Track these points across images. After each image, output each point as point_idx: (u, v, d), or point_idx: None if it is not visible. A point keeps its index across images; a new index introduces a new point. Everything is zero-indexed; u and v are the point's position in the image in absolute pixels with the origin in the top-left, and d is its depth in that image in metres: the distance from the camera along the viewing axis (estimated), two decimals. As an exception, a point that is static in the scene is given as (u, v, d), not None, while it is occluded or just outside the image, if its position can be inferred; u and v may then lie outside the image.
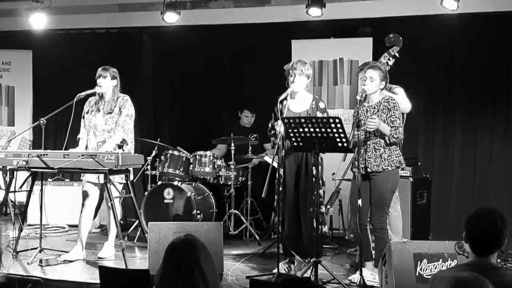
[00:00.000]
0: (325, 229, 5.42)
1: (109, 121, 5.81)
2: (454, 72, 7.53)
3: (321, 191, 5.22)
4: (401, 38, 5.87)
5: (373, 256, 5.08)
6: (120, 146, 5.69)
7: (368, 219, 5.08)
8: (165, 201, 6.96)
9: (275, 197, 5.40)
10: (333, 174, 6.63)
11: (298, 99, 5.39)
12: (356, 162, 5.00)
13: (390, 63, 5.86)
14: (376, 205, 5.01)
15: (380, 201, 5.00)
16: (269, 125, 5.43)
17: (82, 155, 5.25)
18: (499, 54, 7.27)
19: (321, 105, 5.36)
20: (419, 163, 6.95)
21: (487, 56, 7.33)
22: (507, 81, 7.27)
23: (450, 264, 4.27)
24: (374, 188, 5.01)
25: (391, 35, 5.91)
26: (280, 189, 5.27)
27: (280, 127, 5.16)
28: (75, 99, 5.65)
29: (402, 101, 5.63)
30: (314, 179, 5.21)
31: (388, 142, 4.95)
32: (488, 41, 7.29)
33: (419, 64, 7.52)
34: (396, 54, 5.86)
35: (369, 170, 4.99)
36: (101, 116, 5.84)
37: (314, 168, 5.21)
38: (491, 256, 2.92)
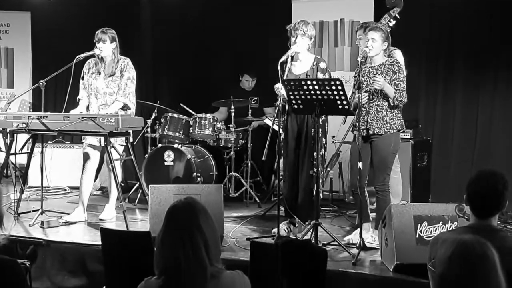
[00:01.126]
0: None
1: (110, 84, 5.78)
2: (455, 33, 7.44)
3: (321, 153, 5.20)
4: None
5: (370, 218, 5.11)
6: (122, 110, 5.69)
7: (366, 182, 5.09)
8: (166, 163, 6.97)
9: (276, 159, 5.40)
10: (333, 137, 6.62)
11: (300, 60, 5.35)
12: (357, 124, 4.98)
13: (391, 24, 5.79)
14: (378, 168, 5.01)
15: (382, 163, 5.01)
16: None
17: (82, 118, 5.24)
18: (501, 15, 7.18)
19: (322, 65, 5.30)
20: (420, 125, 6.94)
21: (489, 17, 7.24)
22: (509, 43, 7.19)
23: (450, 226, 4.28)
24: (376, 151, 5.01)
25: None
26: (282, 151, 5.28)
27: (280, 89, 5.14)
28: (74, 61, 5.63)
29: None
30: (313, 142, 5.21)
31: (392, 104, 4.93)
32: (490, 1, 7.20)
33: (420, 25, 7.43)
34: (397, 16, 5.79)
35: (370, 132, 4.97)
36: (102, 79, 5.81)
37: (313, 130, 5.20)
38: (492, 219, 2.93)
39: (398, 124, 5.01)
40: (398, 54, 5.69)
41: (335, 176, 6.89)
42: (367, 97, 4.96)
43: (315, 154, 5.10)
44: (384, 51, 5.05)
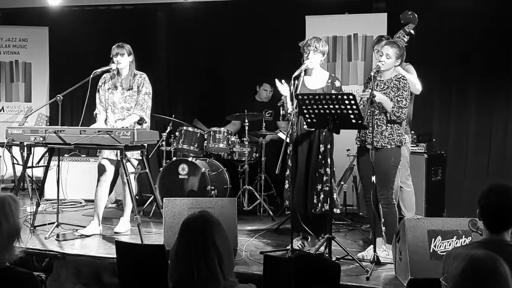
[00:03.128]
0: (326, 207, 5.25)
1: (128, 99, 5.84)
2: (468, 46, 7.45)
3: (328, 170, 5.20)
4: (416, 15, 5.83)
5: (383, 233, 5.10)
6: (138, 124, 5.74)
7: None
8: (180, 176, 7.00)
9: (287, 173, 5.42)
10: (348, 150, 6.62)
11: (314, 76, 5.38)
12: (369, 138, 5.01)
13: (406, 40, 5.82)
14: (380, 181, 4.97)
15: (384, 176, 4.98)
16: (282, 98, 5.43)
17: (98, 131, 5.29)
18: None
19: (337, 83, 5.34)
20: (434, 140, 6.93)
21: (502, 30, 7.24)
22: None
23: (465, 241, 4.27)
24: (377, 164, 4.96)
25: (408, 12, 5.86)
26: (290, 164, 5.30)
27: (284, 99, 5.19)
28: (91, 76, 5.70)
29: (415, 81, 5.60)
30: (320, 157, 5.23)
31: (388, 119, 4.94)
32: (503, 14, 7.20)
33: (433, 39, 7.45)
34: (412, 32, 5.82)
35: (368, 146, 4.96)
36: (119, 93, 5.87)
37: (322, 145, 5.22)
38: (504, 233, 2.93)
39: (397, 140, 4.99)
40: (412, 70, 5.72)
41: (349, 190, 6.88)
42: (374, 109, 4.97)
43: (321, 169, 5.14)
44: (395, 67, 5.07)
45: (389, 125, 4.97)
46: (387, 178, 5.00)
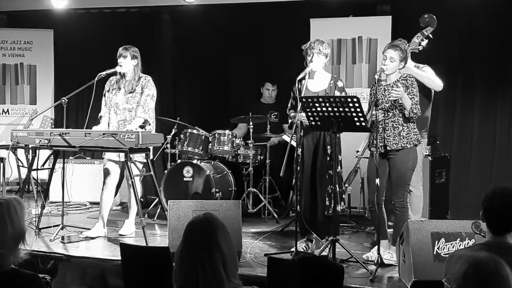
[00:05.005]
0: (339, 208, 5.29)
1: (130, 100, 5.87)
2: (473, 49, 7.45)
3: (337, 170, 5.22)
4: (435, 18, 5.81)
5: (388, 235, 5.10)
6: (142, 127, 5.76)
7: (384, 198, 5.09)
8: (185, 179, 7.02)
9: (294, 175, 5.43)
10: (357, 152, 6.63)
11: (317, 78, 5.39)
12: (374, 141, 5.01)
13: (423, 43, 5.82)
14: (397, 184, 5.01)
15: (401, 179, 5.01)
16: (289, 104, 5.47)
17: (103, 134, 5.32)
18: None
19: (339, 84, 5.35)
20: (438, 142, 6.94)
21: (507, 32, 7.24)
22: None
23: (468, 243, 4.27)
24: (394, 167, 5.01)
25: (425, 16, 5.84)
26: (298, 168, 5.31)
27: (298, 109, 5.21)
28: (96, 78, 5.71)
29: (434, 78, 5.65)
30: (328, 158, 5.24)
31: (406, 116, 4.95)
32: (509, 15, 7.19)
33: (437, 41, 7.41)
34: (430, 35, 5.82)
35: (388, 148, 4.98)
36: (122, 95, 5.90)
37: (329, 147, 5.23)
38: (507, 235, 2.93)
39: (415, 139, 5.02)
40: (428, 70, 5.74)
41: (354, 192, 6.88)
42: (383, 114, 4.98)
43: (331, 171, 5.14)
44: (399, 69, 5.09)
45: (405, 124, 4.99)
46: (404, 182, 5.03)
